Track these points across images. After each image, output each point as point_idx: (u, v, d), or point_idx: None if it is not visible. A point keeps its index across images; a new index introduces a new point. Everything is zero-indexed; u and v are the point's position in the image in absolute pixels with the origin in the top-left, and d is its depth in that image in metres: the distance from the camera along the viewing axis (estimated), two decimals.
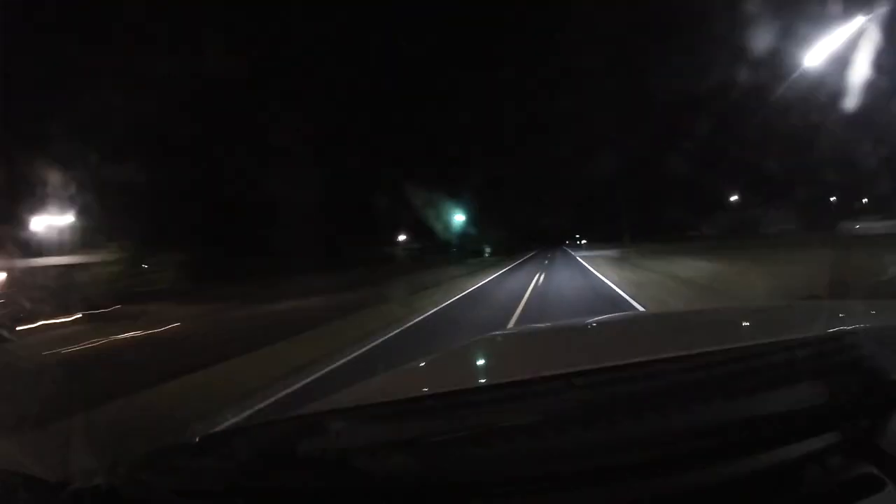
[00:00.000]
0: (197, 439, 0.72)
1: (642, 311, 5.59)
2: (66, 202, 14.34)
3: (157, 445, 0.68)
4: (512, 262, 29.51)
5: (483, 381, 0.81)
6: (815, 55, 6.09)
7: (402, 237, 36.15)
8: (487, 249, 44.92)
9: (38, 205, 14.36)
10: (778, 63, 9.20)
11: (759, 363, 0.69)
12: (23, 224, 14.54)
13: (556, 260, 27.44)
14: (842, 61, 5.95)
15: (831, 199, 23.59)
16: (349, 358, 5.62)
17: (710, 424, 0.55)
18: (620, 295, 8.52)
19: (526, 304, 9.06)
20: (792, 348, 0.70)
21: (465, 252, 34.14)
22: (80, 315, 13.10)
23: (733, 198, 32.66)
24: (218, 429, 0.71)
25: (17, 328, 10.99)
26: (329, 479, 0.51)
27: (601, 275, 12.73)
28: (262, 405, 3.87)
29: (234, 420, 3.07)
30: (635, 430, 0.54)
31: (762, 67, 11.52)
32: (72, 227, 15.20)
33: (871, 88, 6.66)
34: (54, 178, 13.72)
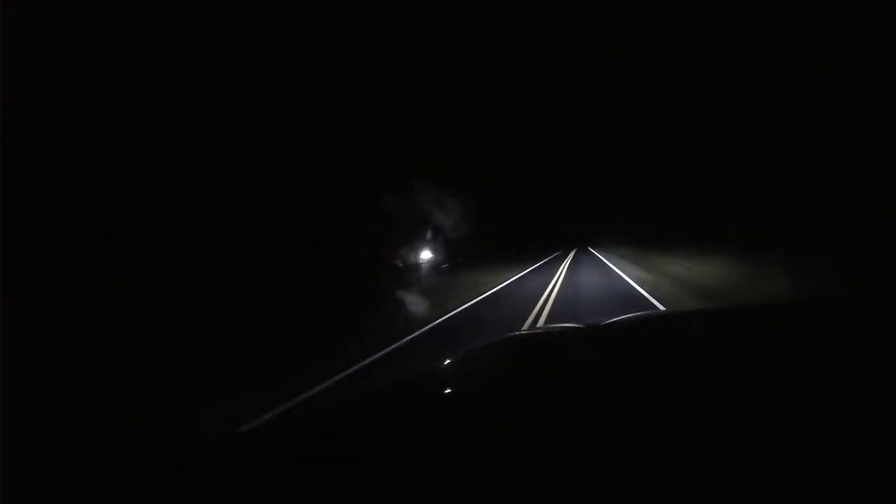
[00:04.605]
0: (209, 440, 0.71)
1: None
2: None
3: (168, 444, 0.67)
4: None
5: (497, 391, 0.77)
6: None
7: None
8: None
9: None
10: None
11: None
12: None
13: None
14: None
15: None
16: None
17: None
18: None
19: None
20: None
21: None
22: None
23: None
24: (220, 434, 0.69)
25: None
26: (339, 484, 0.50)
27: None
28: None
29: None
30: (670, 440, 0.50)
31: None
32: None
33: None
34: None
